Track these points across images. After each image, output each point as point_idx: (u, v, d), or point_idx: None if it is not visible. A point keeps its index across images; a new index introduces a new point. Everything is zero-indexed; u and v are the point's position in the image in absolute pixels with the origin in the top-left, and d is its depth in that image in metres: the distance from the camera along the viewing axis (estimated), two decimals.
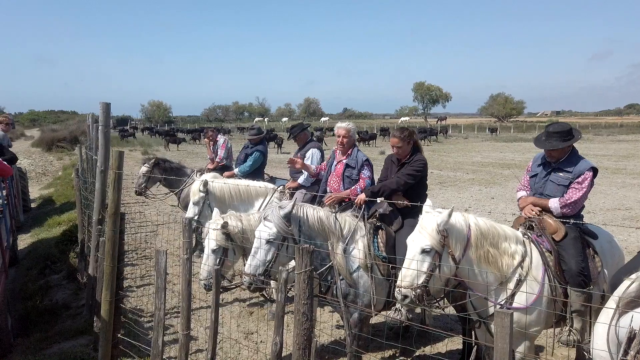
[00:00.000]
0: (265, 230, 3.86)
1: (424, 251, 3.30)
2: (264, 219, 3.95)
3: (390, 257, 4.22)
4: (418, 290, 3.26)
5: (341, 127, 5.15)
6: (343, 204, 4.92)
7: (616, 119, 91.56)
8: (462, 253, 3.39)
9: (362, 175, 4.99)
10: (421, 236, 3.34)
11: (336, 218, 4.16)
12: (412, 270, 3.30)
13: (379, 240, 4.37)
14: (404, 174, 4.41)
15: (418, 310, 4.93)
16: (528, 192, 4.19)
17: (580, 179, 3.82)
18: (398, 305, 4.38)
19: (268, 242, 3.84)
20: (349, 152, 5.13)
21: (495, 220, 3.71)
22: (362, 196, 4.46)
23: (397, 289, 3.34)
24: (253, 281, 3.82)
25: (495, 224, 3.58)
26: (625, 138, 46.50)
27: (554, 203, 3.86)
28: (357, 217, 4.35)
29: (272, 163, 22.09)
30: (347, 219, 4.24)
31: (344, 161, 5.11)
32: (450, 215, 3.33)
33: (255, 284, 3.83)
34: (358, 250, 4.18)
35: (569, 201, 3.82)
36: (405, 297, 3.27)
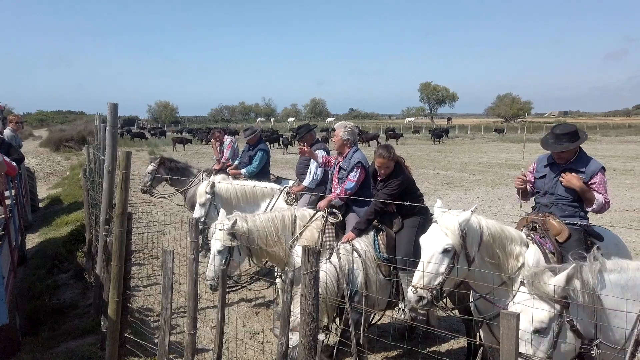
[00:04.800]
0: None
1: (445, 250, 3.25)
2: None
3: (392, 258, 4.22)
4: (434, 291, 3.22)
5: (335, 126, 5.19)
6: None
7: (624, 120, 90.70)
8: (475, 254, 3.38)
9: (348, 177, 4.87)
10: (442, 235, 3.27)
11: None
12: (429, 270, 3.24)
13: (380, 241, 4.37)
14: (376, 201, 4.39)
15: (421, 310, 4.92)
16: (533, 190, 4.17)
17: (597, 180, 3.83)
18: (401, 305, 4.37)
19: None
20: (345, 153, 5.07)
21: (502, 221, 3.70)
22: (351, 235, 4.42)
23: (412, 289, 3.26)
24: None
25: (503, 226, 3.57)
26: (634, 139, 46.05)
27: (600, 198, 3.80)
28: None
29: (278, 163, 22.12)
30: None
31: (339, 163, 5.11)
32: (472, 214, 3.33)
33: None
34: (359, 250, 4.19)
35: (609, 202, 3.85)
36: (422, 298, 3.22)
